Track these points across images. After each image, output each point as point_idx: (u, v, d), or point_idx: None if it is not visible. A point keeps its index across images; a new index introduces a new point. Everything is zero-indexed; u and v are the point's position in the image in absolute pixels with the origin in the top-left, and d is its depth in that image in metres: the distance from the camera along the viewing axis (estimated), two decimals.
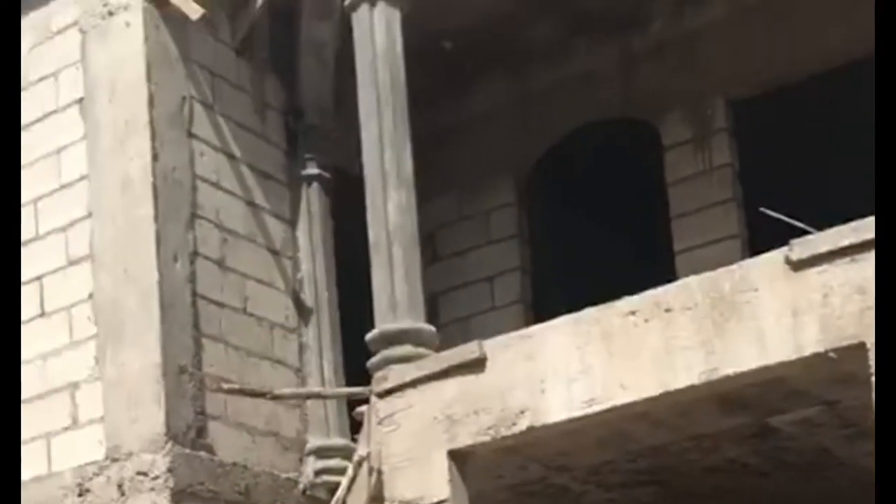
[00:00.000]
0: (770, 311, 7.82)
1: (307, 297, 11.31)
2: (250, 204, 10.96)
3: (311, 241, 11.32)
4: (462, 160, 13.02)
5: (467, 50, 12.43)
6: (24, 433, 10.23)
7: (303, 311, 11.30)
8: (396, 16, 9.82)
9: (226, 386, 10.26)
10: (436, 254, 13.09)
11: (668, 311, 8.20)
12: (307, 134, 11.35)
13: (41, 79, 10.75)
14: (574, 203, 13.41)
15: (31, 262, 10.64)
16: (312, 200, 11.33)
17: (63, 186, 10.59)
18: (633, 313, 8.33)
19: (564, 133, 12.88)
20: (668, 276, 11.06)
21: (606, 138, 12.86)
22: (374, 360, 9.40)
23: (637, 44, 12.52)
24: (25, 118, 10.78)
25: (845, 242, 7.54)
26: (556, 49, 12.57)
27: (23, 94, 10.79)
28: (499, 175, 13.00)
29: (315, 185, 11.33)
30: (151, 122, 10.17)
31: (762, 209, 11.18)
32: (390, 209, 9.55)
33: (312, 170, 11.32)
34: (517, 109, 12.88)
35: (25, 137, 10.76)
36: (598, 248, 13.55)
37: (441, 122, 12.77)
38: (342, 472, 9.95)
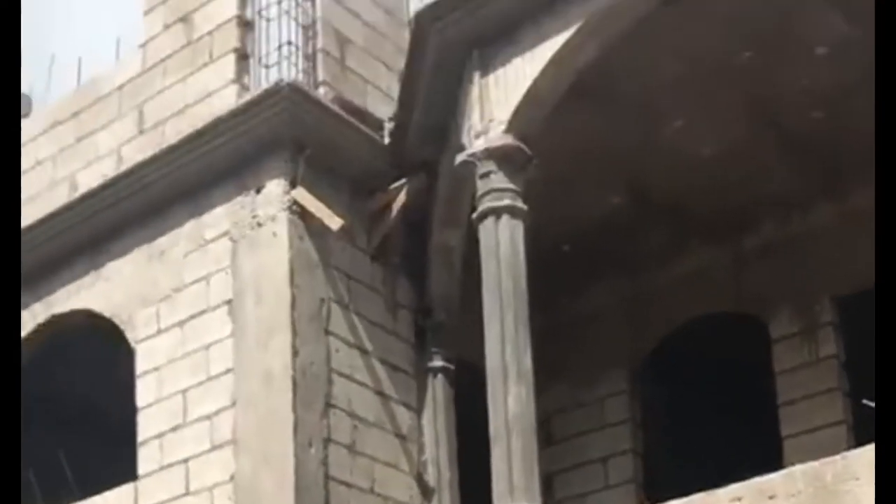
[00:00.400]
0: (871, 499, 8.20)
1: (430, 478, 11.96)
2: (380, 394, 11.70)
3: (435, 427, 12.00)
4: (578, 351, 13.67)
5: (585, 252, 13.17)
6: None
7: (426, 492, 11.94)
8: (520, 227, 10.57)
9: None
10: (551, 437, 13.65)
11: (771, 497, 8.68)
12: (434, 330, 12.11)
13: (194, 282, 11.67)
14: (685, 390, 14.01)
15: (179, 445, 11.45)
16: (437, 390, 12.04)
17: (210, 378, 11.41)
18: (738, 499, 8.84)
19: (676, 326, 13.53)
20: (776, 459, 11.66)
21: (717, 330, 13.46)
22: None
23: (747, 244, 13.19)
24: (179, 316, 11.70)
25: None
26: (669, 250, 13.26)
27: (177, 295, 11.73)
28: (613, 365, 13.65)
29: (440, 376, 12.05)
30: (293, 321, 11.01)
31: (865, 401, 11.73)
32: (510, 402, 10.19)
33: (438, 362, 12.05)
34: (631, 305, 13.56)
35: (178, 334, 11.68)
36: (708, 432, 14.10)
37: (559, 316, 13.47)
38: None
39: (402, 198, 11.78)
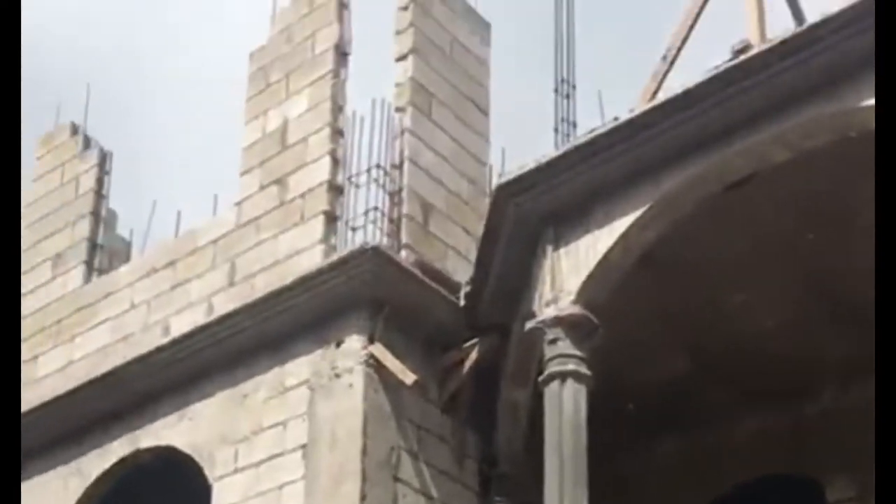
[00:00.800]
0: None
1: None
2: None
3: None
4: None
5: (648, 409, 13.57)
6: None
7: None
8: (583, 391, 11.20)
9: None
10: None
11: None
12: (499, 479, 12.59)
13: (272, 426, 12.28)
14: None
15: None
16: None
17: None
18: None
19: (734, 485, 13.83)
20: None
21: (774, 491, 13.75)
22: None
23: (807, 410, 13.48)
24: (256, 457, 12.27)
25: None
26: (729, 412, 13.61)
27: (255, 437, 12.33)
28: None
29: None
30: (363, 468, 11.60)
31: None
32: None
33: None
34: (690, 462, 13.82)
35: (254, 474, 12.24)
36: None
37: (621, 470, 13.75)
38: None
39: (473, 356, 12.38)
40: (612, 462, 13.51)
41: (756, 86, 10.70)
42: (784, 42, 10.58)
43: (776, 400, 13.55)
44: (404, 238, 12.83)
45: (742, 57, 10.74)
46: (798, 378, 13.38)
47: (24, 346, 14.73)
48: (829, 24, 10.41)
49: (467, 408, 12.62)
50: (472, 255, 12.80)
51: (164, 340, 13.17)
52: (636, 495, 13.98)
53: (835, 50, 10.42)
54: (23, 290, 15.06)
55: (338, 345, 12.15)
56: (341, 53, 13.65)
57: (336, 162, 13.13)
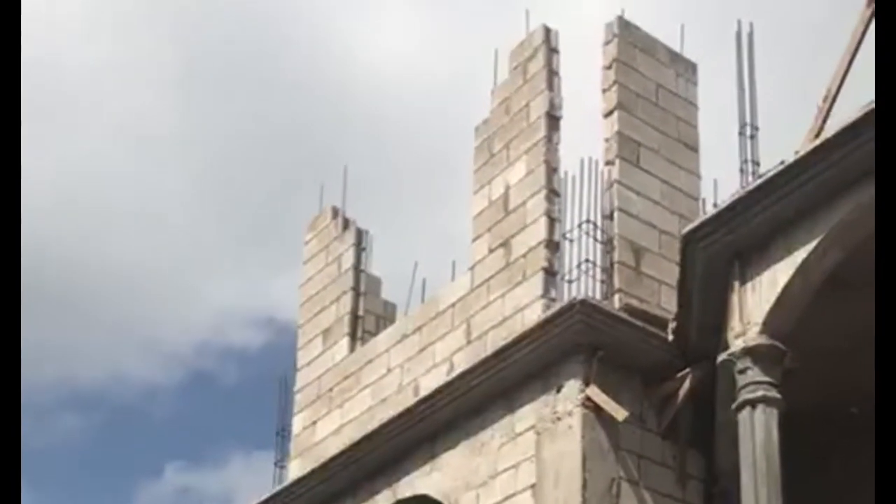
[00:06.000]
0: None
1: None
2: None
3: None
4: None
5: (854, 416, 14.24)
6: None
7: None
8: (774, 414, 12.23)
9: None
10: None
11: None
12: (721, 496, 13.63)
13: (506, 469, 13.66)
14: None
15: None
16: None
17: None
18: None
19: None
20: None
21: None
22: None
23: None
24: (494, 499, 13.65)
25: None
26: None
27: (492, 481, 13.70)
28: None
29: None
30: (584, 501, 12.82)
31: None
32: None
33: None
34: None
35: None
36: None
37: (830, 478, 14.52)
38: None
39: (687, 384, 13.44)
40: (823, 470, 14.40)
41: None
42: None
43: None
44: (617, 283, 13.93)
45: None
46: None
47: (304, 414, 16.66)
48: None
49: (687, 430, 13.64)
50: None
51: (414, 400, 14.62)
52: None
53: None
54: (299, 364, 17.02)
55: (558, 390, 13.33)
56: (553, 118, 14.77)
57: (552, 221, 14.29)
